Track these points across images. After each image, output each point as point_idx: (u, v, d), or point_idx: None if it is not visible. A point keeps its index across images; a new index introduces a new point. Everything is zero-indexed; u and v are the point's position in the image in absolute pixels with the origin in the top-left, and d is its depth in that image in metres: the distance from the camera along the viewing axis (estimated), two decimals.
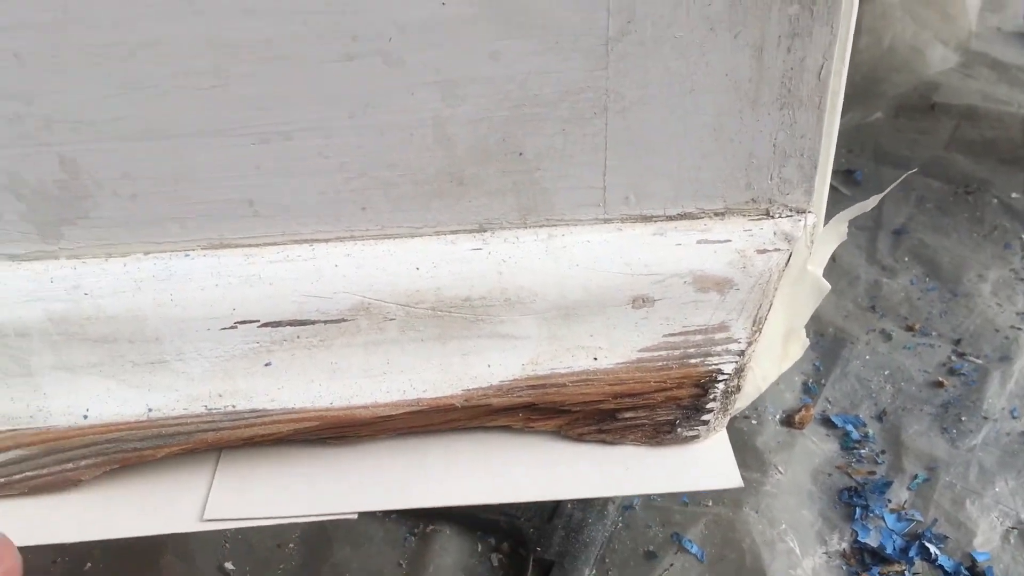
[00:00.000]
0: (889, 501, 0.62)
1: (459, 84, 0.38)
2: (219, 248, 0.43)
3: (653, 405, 0.44)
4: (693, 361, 0.44)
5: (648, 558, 0.59)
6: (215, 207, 0.41)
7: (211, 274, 0.42)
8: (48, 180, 0.40)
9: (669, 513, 0.61)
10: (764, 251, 0.42)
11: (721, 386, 0.44)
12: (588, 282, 0.42)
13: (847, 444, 0.67)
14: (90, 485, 0.45)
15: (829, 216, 0.45)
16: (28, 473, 0.44)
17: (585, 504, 0.61)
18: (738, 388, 0.45)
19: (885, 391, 0.72)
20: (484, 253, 0.43)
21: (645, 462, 0.46)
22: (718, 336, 0.44)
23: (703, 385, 0.44)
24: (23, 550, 0.64)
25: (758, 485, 0.63)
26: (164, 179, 0.40)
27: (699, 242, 0.42)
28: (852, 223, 0.93)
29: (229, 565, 0.60)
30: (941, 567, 0.58)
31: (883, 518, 0.61)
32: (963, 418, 0.68)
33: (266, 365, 0.43)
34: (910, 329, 0.78)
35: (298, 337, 0.43)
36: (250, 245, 0.43)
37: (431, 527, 0.62)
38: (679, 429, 0.46)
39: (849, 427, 0.68)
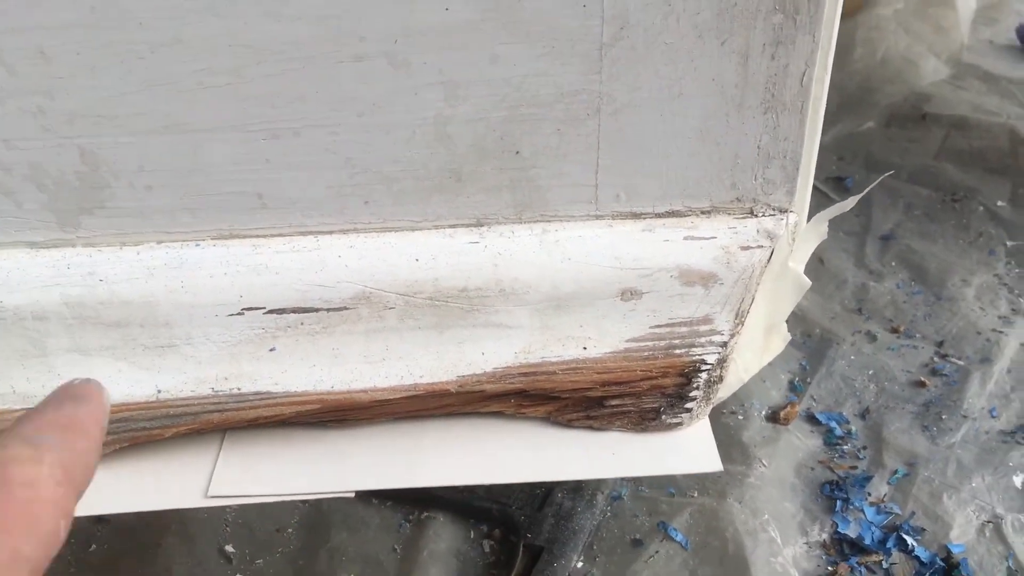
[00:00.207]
0: (869, 495, 0.64)
1: (461, 85, 0.40)
2: (228, 238, 0.45)
3: (639, 393, 0.47)
4: (678, 352, 0.46)
5: (635, 545, 0.61)
6: (226, 199, 0.43)
7: (220, 263, 0.44)
8: (69, 171, 0.42)
9: (656, 503, 0.64)
10: (747, 248, 0.44)
11: (704, 376, 0.47)
12: (579, 275, 0.45)
13: (830, 440, 0.69)
14: (101, 463, 0.47)
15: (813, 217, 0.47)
16: None
17: (575, 493, 0.63)
18: (720, 378, 0.47)
19: (869, 390, 0.74)
20: (481, 246, 0.45)
21: (630, 447, 0.48)
22: (702, 328, 0.46)
23: (687, 375, 0.46)
24: None
25: (742, 477, 0.65)
26: (178, 172, 0.42)
27: (686, 238, 0.45)
28: (842, 229, 0.95)
29: (230, 548, 0.62)
30: (917, 558, 0.60)
31: (863, 511, 0.63)
32: (943, 416, 0.71)
33: (271, 350, 0.45)
34: (895, 331, 0.80)
35: (302, 324, 0.45)
36: (258, 236, 0.45)
37: (425, 514, 0.64)
38: (663, 416, 0.48)
39: (833, 424, 0.70)
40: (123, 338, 0.45)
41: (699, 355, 0.46)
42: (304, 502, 0.65)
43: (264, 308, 0.44)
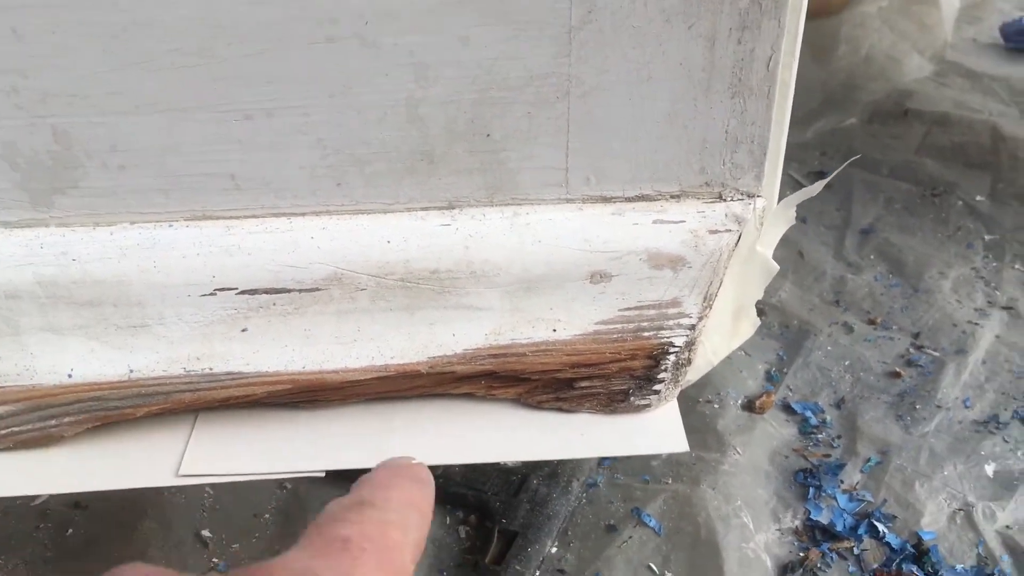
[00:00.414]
0: (842, 482, 0.65)
1: (431, 67, 0.41)
2: (201, 219, 0.45)
3: (608, 375, 0.47)
4: (646, 334, 0.47)
5: (608, 531, 0.61)
6: (199, 180, 0.44)
7: (193, 243, 0.45)
8: (42, 151, 0.42)
9: (630, 490, 0.64)
10: (716, 231, 0.45)
11: (672, 358, 0.47)
12: (549, 258, 0.45)
13: (805, 429, 0.70)
14: (72, 441, 0.47)
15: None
16: (13, 428, 0.46)
17: (550, 480, 0.63)
18: (689, 361, 0.48)
19: (844, 380, 0.75)
20: (452, 229, 0.45)
21: (599, 428, 0.48)
22: (670, 311, 0.46)
23: (655, 357, 0.47)
24: (8, 501, 0.66)
25: (716, 464, 0.65)
26: (151, 152, 0.43)
27: (655, 222, 0.45)
28: (822, 222, 0.95)
29: (206, 532, 0.63)
30: (888, 544, 0.60)
31: (835, 498, 0.63)
32: (918, 406, 0.71)
33: (243, 331, 0.46)
34: (872, 323, 0.81)
35: (274, 304, 0.45)
36: (231, 217, 0.45)
37: None
38: (632, 398, 0.48)
39: (808, 413, 0.71)
40: (96, 317, 0.45)
41: (667, 337, 0.47)
42: (281, 488, 0.65)
43: (236, 289, 0.45)
